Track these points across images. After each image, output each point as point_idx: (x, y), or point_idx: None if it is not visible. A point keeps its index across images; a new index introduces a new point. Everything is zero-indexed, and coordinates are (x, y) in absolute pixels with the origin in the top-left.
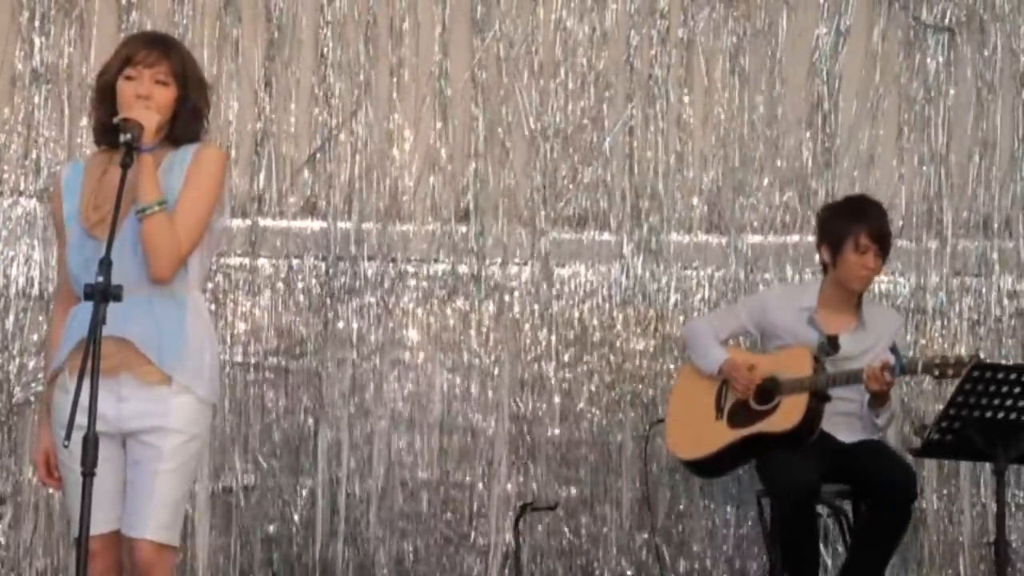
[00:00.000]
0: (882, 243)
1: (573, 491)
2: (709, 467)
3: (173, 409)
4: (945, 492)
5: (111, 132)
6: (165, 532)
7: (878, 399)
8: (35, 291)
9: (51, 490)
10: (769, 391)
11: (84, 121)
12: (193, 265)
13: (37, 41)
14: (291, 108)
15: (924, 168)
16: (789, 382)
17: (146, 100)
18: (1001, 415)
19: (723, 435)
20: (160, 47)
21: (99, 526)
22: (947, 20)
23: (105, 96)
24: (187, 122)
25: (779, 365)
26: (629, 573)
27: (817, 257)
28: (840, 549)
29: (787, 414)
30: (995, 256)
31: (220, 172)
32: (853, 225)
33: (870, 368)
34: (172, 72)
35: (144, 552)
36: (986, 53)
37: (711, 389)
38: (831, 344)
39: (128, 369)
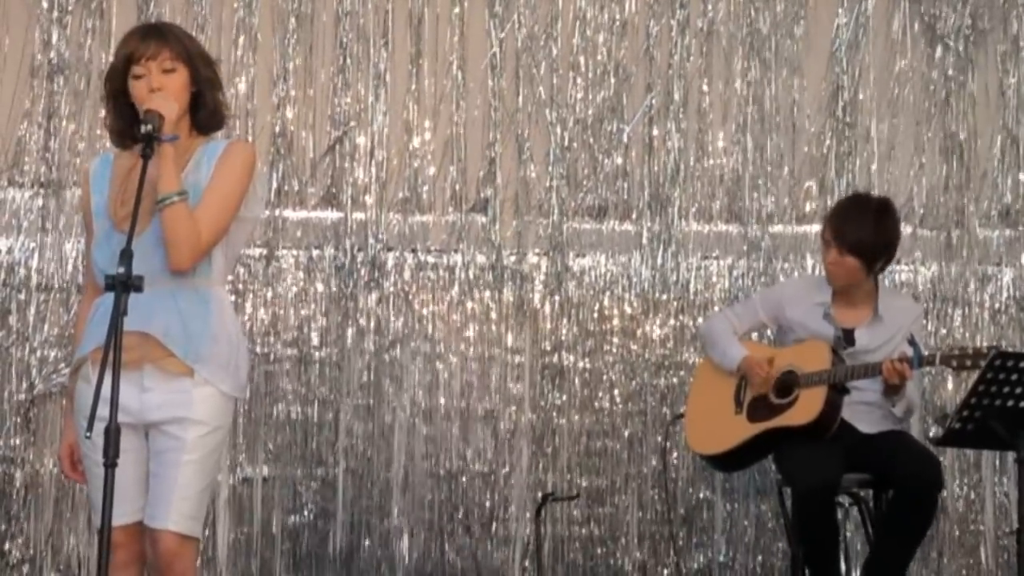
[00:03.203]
0: (840, 238)
1: (594, 481)
2: (729, 462)
3: (196, 400)
4: (967, 481)
5: (127, 135)
6: (188, 523)
7: (892, 389)
8: (55, 283)
9: (71, 480)
10: (788, 384)
11: (103, 112)
12: (217, 260)
13: (56, 32)
14: (310, 99)
15: (945, 157)
16: (807, 375)
17: (160, 91)
18: (1023, 404)
19: (742, 429)
20: (156, 36)
21: (122, 517)
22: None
23: (117, 100)
24: (206, 101)
25: (797, 358)
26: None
27: None
28: (859, 540)
29: (806, 407)
30: (1017, 244)
31: (246, 167)
32: (826, 221)
33: (888, 361)
34: (176, 56)
35: (167, 543)
36: (1008, 43)
37: (730, 384)
38: (847, 339)
39: (151, 361)
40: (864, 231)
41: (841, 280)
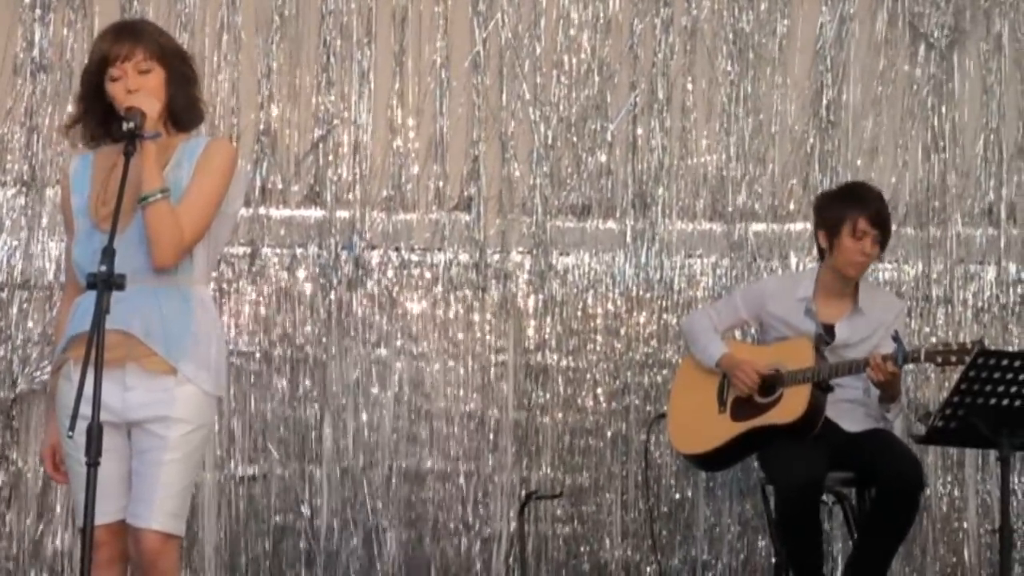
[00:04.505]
0: (882, 228)
1: (577, 480)
2: (712, 461)
3: (179, 399)
4: (950, 480)
5: (100, 134)
6: (171, 521)
7: (887, 393)
8: (39, 281)
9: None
10: (771, 383)
11: (73, 108)
12: (199, 258)
13: (38, 31)
14: (294, 97)
15: (928, 155)
16: (791, 373)
17: (138, 92)
18: (1006, 402)
19: (726, 429)
20: (129, 36)
21: (105, 516)
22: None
23: (90, 100)
24: (182, 97)
25: (781, 356)
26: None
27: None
28: (842, 536)
29: (790, 406)
30: (1000, 243)
31: (227, 164)
32: (851, 210)
33: (873, 357)
34: (150, 55)
35: (150, 542)
36: (991, 42)
37: (713, 382)
38: (827, 333)
39: (133, 360)
40: (889, 219)
41: (862, 271)
